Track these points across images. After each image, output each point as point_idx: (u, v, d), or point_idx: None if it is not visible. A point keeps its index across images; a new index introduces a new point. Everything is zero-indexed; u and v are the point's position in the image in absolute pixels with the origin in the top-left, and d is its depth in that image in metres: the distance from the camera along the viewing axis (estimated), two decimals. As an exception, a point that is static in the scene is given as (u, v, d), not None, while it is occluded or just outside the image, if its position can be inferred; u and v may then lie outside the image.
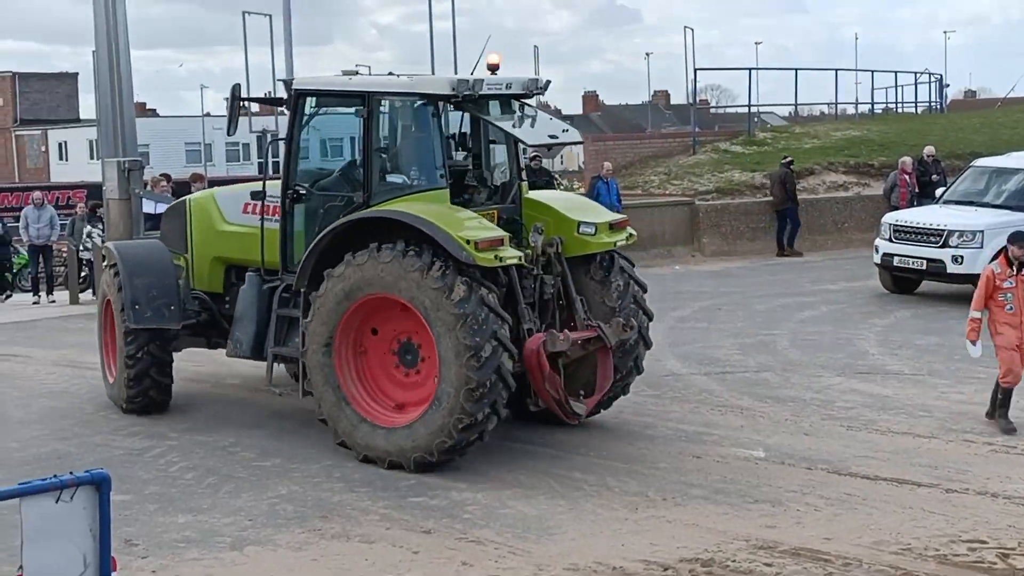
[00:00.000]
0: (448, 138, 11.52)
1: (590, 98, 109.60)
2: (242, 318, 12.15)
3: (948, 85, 52.13)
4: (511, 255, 10.58)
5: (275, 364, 11.98)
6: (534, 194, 12.17)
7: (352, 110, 11.46)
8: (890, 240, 20.35)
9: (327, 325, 10.86)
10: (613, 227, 11.79)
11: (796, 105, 43.50)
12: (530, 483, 10.45)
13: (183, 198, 13.96)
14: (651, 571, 8.54)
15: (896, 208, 23.29)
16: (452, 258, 10.26)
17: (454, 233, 10.30)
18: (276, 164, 15.44)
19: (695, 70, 39.54)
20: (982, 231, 19.21)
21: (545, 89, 11.83)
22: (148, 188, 20.65)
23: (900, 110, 44.34)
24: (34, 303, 25.98)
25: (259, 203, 12.13)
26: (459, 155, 11.86)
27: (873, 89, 42.36)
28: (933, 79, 46.96)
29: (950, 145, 30.70)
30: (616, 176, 27.47)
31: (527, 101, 11.68)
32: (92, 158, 69.36)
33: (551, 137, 11.48)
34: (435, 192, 11.06)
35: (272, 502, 9.96)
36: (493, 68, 11.53)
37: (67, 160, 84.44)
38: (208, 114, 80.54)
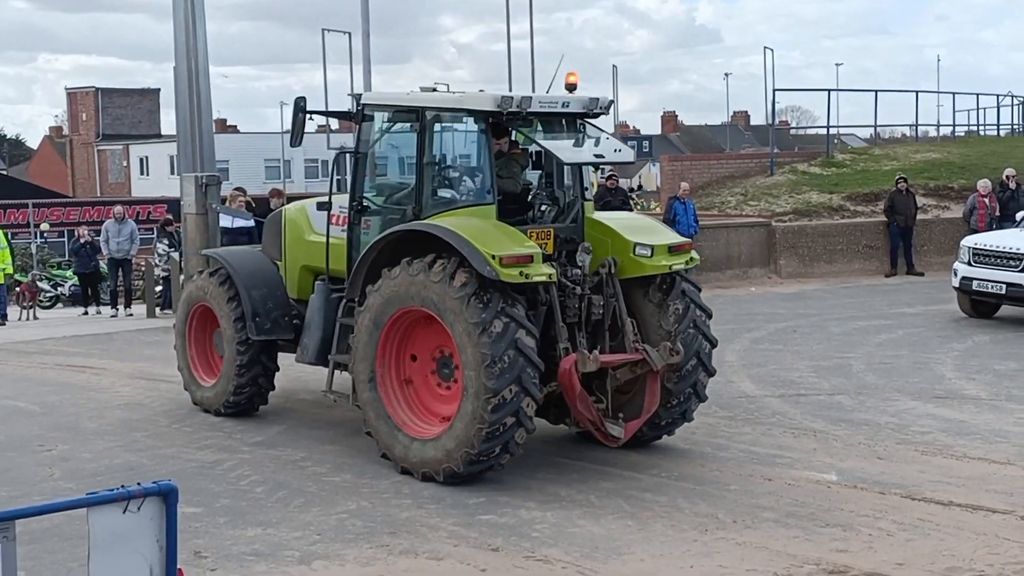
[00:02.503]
0: (512, 155, 11.61)
1: (669, 118, 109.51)
2: (310, 325, 12.40)
3: (1032, 108, 51.29)
4: (540, 272, 10.50)
5: (336, 372, 12.08)
6: (600, 215, 12.05)
7: (409, 125, 11.65)
8: (969, 264, 20.08)
9: (370, 339, 11.10)
10: (672, 250, 11.54)
11: (876, 127, 43.09)
12: (600, 503, 10.40)
13: (281, 208, 14.29)
14: (719, 594, 8.46)
15: (975, 231, 23.00)
16: (479, 273, 10.30)
17: (481, 248, 10.31)
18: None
19: (774, 91, 39.56)
20: (1063, 255, 18.91)
21: (608, 109, 11.68)
22: (226, 203, 20.87)
23: (982, 132, 43.77)
24: (112, 316, 26.38)
25: (341, 214, 12.29)
26: (530, 173, 11.86)
27: (955, 111, 42.00)
28: (1016, 101, 46.31)
29: (1032, 167, 30.22)
30: (693, 196, 27.36)
31: (593, 122, 11.62)
32: (172, 173, 70.32)
33: (596, 156, 11.61)
34: (481, 208, 11.13)
35: (341, 517, 9.99)
36: (571, 87, 11.56)
37: (148, 175, 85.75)
38: (288, 131, 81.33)
